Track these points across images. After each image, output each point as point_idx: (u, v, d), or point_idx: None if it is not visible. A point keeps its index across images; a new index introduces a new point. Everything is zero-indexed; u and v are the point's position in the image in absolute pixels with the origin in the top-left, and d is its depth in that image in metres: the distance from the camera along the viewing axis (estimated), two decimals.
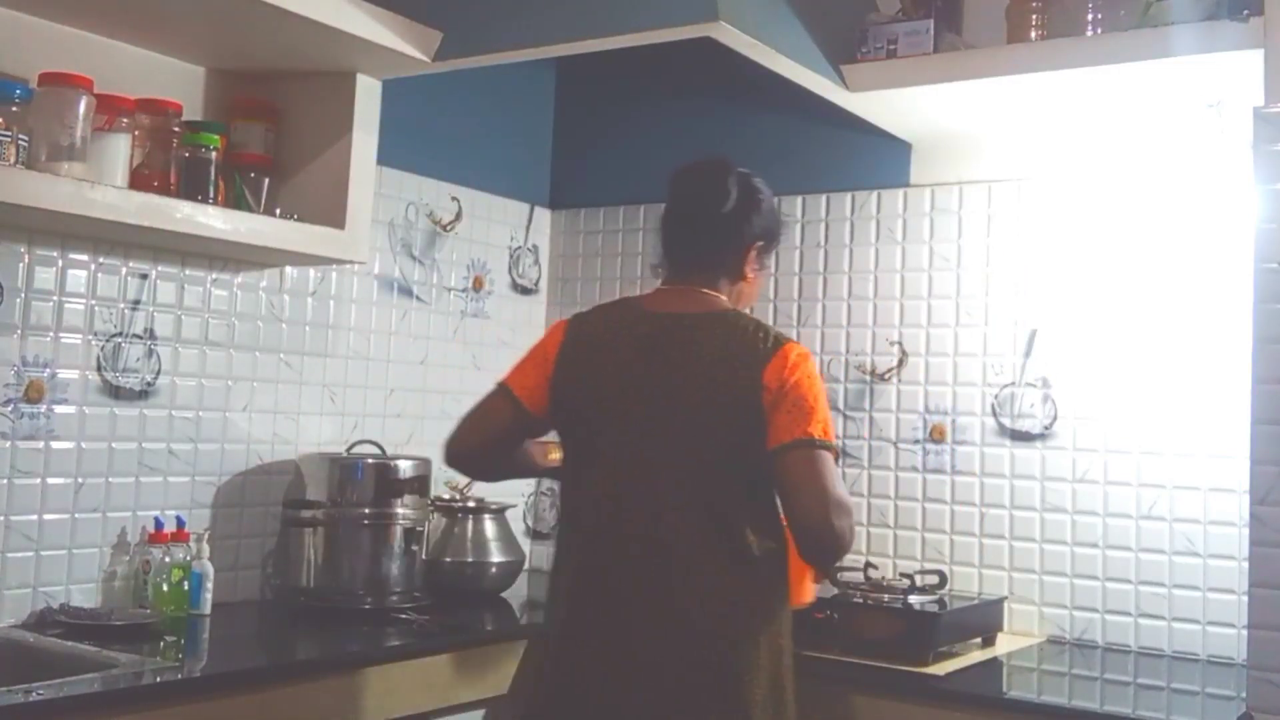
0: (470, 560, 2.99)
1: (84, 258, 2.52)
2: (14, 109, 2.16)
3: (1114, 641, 2.72)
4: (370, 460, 2.85)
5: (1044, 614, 2.81)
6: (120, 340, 2.59)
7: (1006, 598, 2.80)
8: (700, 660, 1.93)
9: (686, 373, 2.00)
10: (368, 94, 2.74)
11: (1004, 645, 2.67)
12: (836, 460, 2.01)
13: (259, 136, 2.68)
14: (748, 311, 2.16)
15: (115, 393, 2.58)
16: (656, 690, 1.93)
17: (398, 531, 2.79)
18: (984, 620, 2.69)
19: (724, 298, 2.12)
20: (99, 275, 2.55)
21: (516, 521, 3.43)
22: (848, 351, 3.12)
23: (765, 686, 1.96)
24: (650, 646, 1.94)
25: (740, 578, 1.97)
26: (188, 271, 2.71)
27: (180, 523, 2.63)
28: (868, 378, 3.09)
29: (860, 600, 2.61)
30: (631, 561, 1.97)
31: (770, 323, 3.18)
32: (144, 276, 2.63)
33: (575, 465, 2.10)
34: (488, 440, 2.19)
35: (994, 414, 2.91)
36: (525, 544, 3.38)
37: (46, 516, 2.46)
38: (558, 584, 2.08)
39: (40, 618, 2.41)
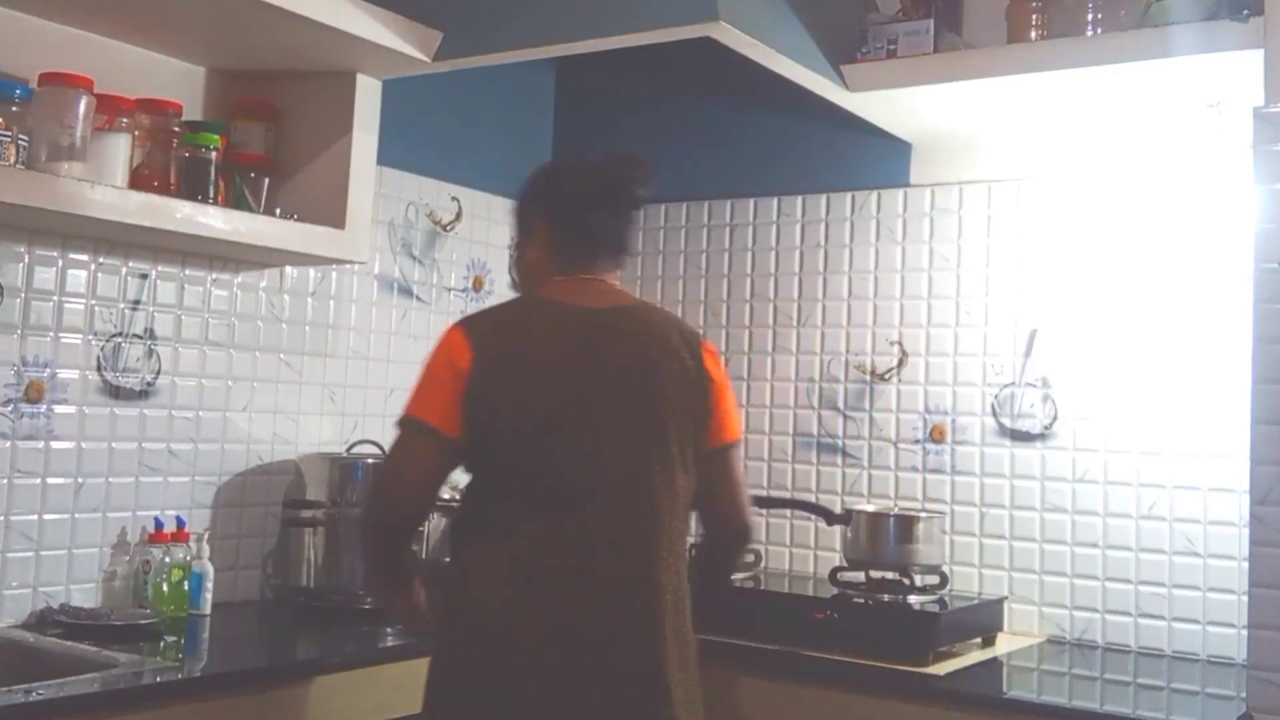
0: None
1: (84, 258, 2.52)
2: (14, 109, 2.16)
3: (1114, 641, 2.72)
4: (370, 460, 2.85)
5: (1044, 614, 2.81)
6: (120, 340, 2.59)
7: (1006, 598, 2.80)
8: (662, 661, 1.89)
9: (649, 367, 1.97)
10: (368, 94, 2.73)
11: (1004, 645, 2.67)
12: None
13: (259, 136, 2.68)
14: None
15: (115, 393, 2.58)
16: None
17: None
18: (984, 620, 2.69)
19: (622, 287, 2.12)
20: (99, 275, 2.55)
21: None
22: (848, 351, 3.12)
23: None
24: (648, 660, 1.88)
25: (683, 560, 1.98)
26: (188, 271, 2.71)
27: (180, 523, 2.63)
28: (868, 378, 3.09)
29: (860, 600, 2.61)
30: (624, 552, 1.91)
31: (771, 323, 3.22)
32: (144, 276, 2.63)
33: (515, 477, 1.93)
34: (426, 491, 1.97)
35: (994, 414, 2.91)
36: None
37: (46, 516, 2.46)
38: (493, 593, 1.89)
39: (40, 618, 2.41)
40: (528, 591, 1.87)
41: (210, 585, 2.61)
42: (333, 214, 2.66)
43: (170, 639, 2.39)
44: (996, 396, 2.91)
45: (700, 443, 2.01)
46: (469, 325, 2.00)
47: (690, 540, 2.05)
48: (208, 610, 2.60)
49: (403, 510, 1.98)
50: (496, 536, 1.92)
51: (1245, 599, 2.14)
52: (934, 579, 2.67)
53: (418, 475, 1.95)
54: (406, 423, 1.96)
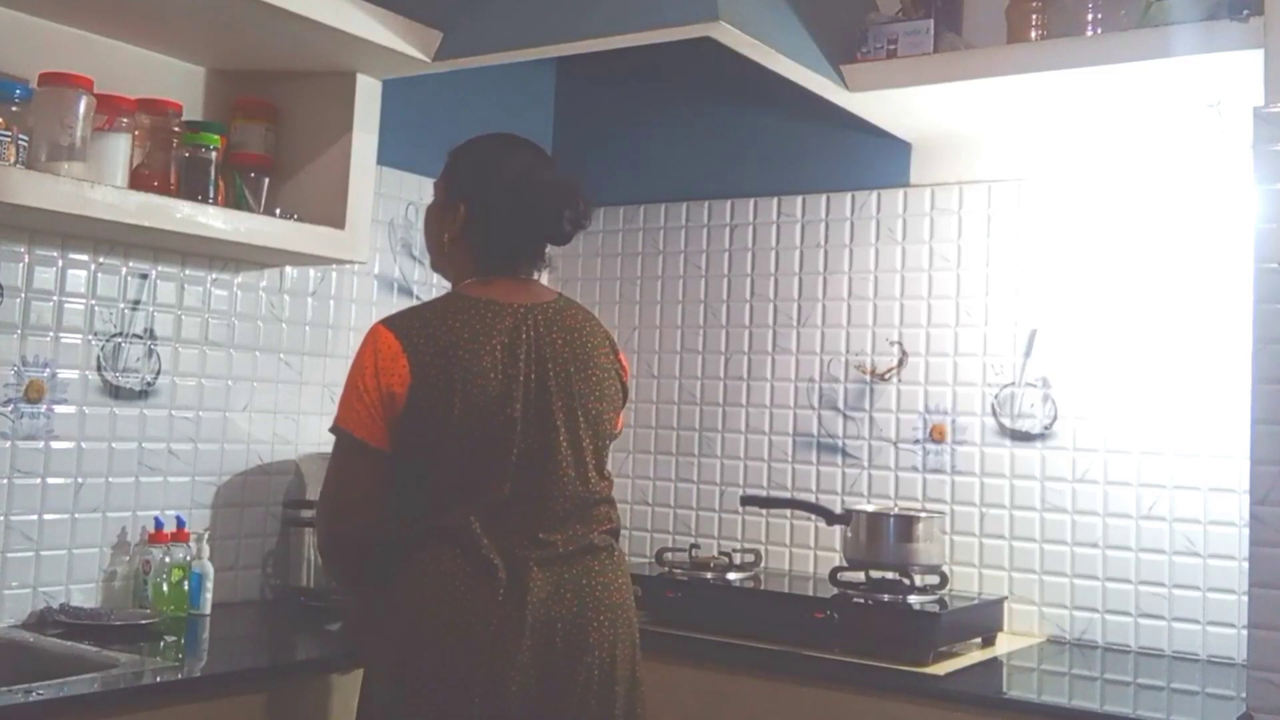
0: None
1: (84, 258, 2.52)
2: (14, 109, 2.16)
3: (1114, 641, 2.72)
4: None
5: (1044, 614, 2.81)
6: (120, 340, 2.59)
7: (1006, 598, 2.80)
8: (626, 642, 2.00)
9: (587, 360, 2.03)
10: (368, 94, 2.74)
11: (1004, 645, 2.67)
12: None
13: (259, 136, 2.68)
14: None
15: (115, 393, 2.58)
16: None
17: None
18: (984, 620, 2.69)
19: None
20: (99, 275, 2.55)
21: None
22: (848, 351, 3.12)
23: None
24: (599, 654, 1.92)
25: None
26: (188, 271, 2.72)
27: (180, 523, 2.63)
28: (868, 378, 3.09)
29: (860, 600, 2.61)
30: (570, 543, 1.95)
31: (771, 323, 3.22)
32: (144, 276, 2.63)
33: (464, 476, 1.91)
34: (377, 510, 1.91)
35: (994, 414, 2.91)
36: None
37: (46, 516, 2.46)
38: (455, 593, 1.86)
39: (40, 618, 2.41)
40: (491, 586, 1.86)
41: (210, 585, 2.62)
42: (333, 214, 2.67)
43: (170, 639, 2.39)
44: (996, 396, 2.91)
45: (611, 428, 2.11)
46: (398, 327, 1.94)
47: None
48: (208, 610, 2.60)
49: (364, 533, 1.92)
50: (452, 536, 1.89)
51: (1245, 599, 2.14)
52: (934, 579, 2.66)
53: (366, 496, 1.92)
54: (344, 439, 1.93)
